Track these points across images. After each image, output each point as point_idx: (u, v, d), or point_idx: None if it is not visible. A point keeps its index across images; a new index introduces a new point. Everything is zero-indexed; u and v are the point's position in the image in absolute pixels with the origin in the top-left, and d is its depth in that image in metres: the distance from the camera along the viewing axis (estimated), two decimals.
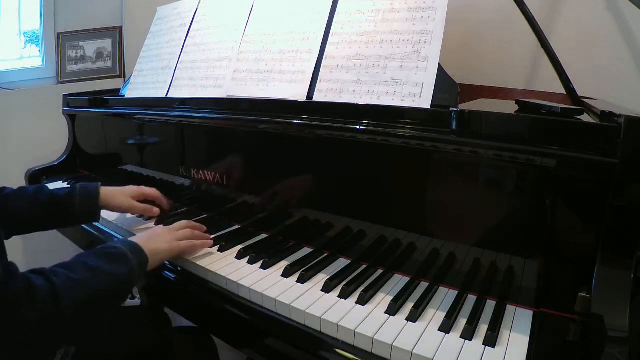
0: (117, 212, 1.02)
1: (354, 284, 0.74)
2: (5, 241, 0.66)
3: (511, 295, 0.69)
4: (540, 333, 0.62)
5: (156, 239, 0.83)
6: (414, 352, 0.58)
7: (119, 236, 1.05)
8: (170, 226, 0.90)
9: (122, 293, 0.74)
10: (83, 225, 1.11)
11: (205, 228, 0.95)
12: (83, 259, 0.70)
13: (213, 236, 0.95)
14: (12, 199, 0.93)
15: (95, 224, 1.10)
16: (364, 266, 0.82)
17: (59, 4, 1.95)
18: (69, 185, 1.17)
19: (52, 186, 1.39)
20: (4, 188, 0.96)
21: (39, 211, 0.94)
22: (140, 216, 1.09)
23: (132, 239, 0.81)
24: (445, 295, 0.72)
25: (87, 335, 0.78)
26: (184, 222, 0.92)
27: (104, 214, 1.04)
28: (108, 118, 1.38)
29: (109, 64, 2.12)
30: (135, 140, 1.29)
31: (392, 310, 0.67)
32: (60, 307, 0.60)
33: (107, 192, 0.99)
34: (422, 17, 0.81)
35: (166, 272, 0.88)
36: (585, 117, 0.67)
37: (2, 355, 0.58)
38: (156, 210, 1.03)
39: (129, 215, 1.11)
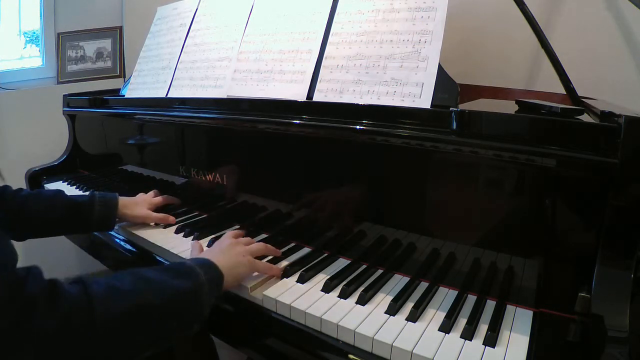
0: (133, 222, 1.03)
1: (354, 284, 0.74)
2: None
3: (511, 295, 0.69)
4: (540, 333, 0.62)
5: (231, 254, 0.73)
6: (414, 352, 0.58)
7: (119, 236, 1.05)
8: (234, 239, 0.80)
9: (186, 311, 0.60)
10: None
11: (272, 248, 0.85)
12: (137, 270, 0.60)
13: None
14: (31, 201, 0.94)
15: None
16: (364, 266, 0.81)
17: (59, 4, 1.95)
18: (86, 193, 1.17)
19: (52, 186, 1.40)
20: (21, 189, 0.97)
21: (56, 215, 0.94)
22: None
23: (202, 254, 0.73)
24: (445, 295, 0.72)
25: None
26: (248, 238, 0.84)
27: None
28: (108, 118, 1.38)
29: (109, 64, 2.12)
30: (135, 140, 1.29)
31: (392, 310, 0.67)
32: (95, 318, 0.50)
33: (125, 202, 1.02)
34: (422, 17, 0.81)
35: None
36: (585, 117, 0.67)
37: None
38: (172, 219, 1.04)
39: None
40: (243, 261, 0.74)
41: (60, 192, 1.00)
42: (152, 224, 1.04)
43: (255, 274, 0.78)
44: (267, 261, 0.81)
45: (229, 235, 0.83)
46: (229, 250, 0.75)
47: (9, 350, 0.46)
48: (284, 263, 0.84)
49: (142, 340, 0.55)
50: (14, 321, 0.46)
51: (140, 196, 1.09)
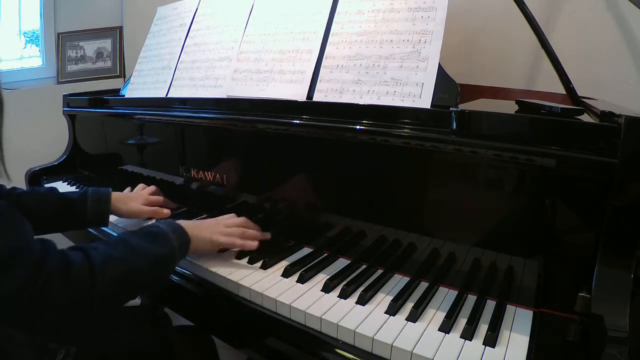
0: (127, 217, 1.03)
1: (354, 284, 0.74)
2: None
3: (511, 295, 0.69)
4: (540, 333, 0.62)
5: (202, 227, 0.82)
6: (414, 352, 0.58)
7: (114, 233, 1.05)
8: (221, 217, 0.89)
9: (161, 273, 0.74)
10: None
11: (258, 230, 0.91)
12: (124, 237, 0.70)
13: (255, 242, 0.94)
14: (24, 198, 0.94)
15: None
16: (364, 266, 0.81)
17: (59, 4, 1.95)
18: (79, 189, 1.17)
19: (52, 186, 1.40)
20: (15, 188, 0.96)
21: (50, 211, 0.94)
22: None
23: (179, 222, 0.81)
24: (445, 295, 0.72)
25: (88, 335, 0.78)
26: (239, 220, 0.89)
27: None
28: (108, 118, 1.38)
29: (109, 64, 2.12)
30: (135, 140, 1.29)
31: (392, 310, 0.67)
32: (96, 283, 0.60)
33: (118, 196, 1.01)
34: (422, 17, 0.81)
35: None
36: (585, 117, 0.67)
37: (27, 336, 0.60)
38: (166, 211, 1.04)
39: None
40: (207, 236, 0.81)
41: (53, 189, 1.00)
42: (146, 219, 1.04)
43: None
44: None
45: (221, 217, 0.90)
46: (205, 225, 0.84)
47: (34, 315, 0.58)
48: (284, 263, 0.84)
49: (127, 296, 0.68)
50: (37, 295, 0.56)
51: (138, 189, 1.08)
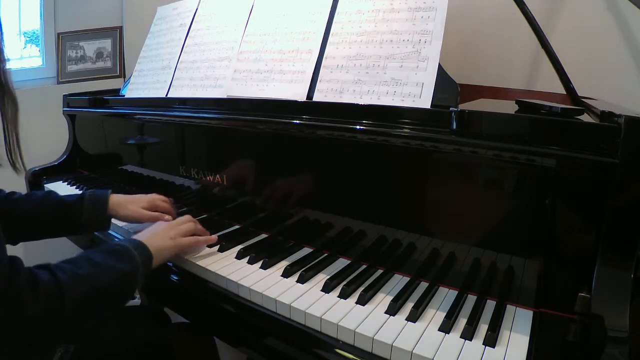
0: (126, 221, 0.99)
1: (354, 284, 0.74)
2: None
3: (511, 295, 0.69)
4: (540, 333, 0.62)
5: (160, 236, 0.82)
6: (414, 352, 0.58)
7: (119, 236, 1.05)
8: (173, 222, 0.89)
9: (127, 290, 0.73)
10: None
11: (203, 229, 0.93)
12: (88, 254, 0.70)
13: (213, 235, 0.95)
14: (19, 203, 0.92)
15: None
16: (364, 266, 0.81)
17: (59, 4, 1.95)
18: (79, 192, 1.15)
19: (52, 186, 1.40)
20: (13, 192, 0.95)
21: (45, 215, 0.92)
22: None
23: (135, 236, 0.81)
24: (445, 295, 0.72)
25: (86, 334, 0.78)
26: (186, 217, 0.91)
27: None
28: (108, 118, 1.38)
29: (109, 64, 2.12)
30: (135, 140, 1.29)
31: (392, 310, 0.67)
32: (64, 302, 0.60)
33: (118, 200, 0.96)
34: (422, 17, 0.81)
35: (166, 272, 0.88)
36: (585, 117, 0.67)
37: (3, 353, 0.58)
38: (167, 218, 0.97)
39: None
40: (169, 244, 0.82)
41: (51, 192, 0.97)
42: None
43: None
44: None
45: (163, 222, 0.90)
46: (160, 233, 0.84)
47: (9, 330, 0.57)
48: (284, 263, 0.84)
49: (94, 311, 0.68)
50: (8, 310, 0.56)
51: (141, 196, 1.02)
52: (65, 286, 0.61)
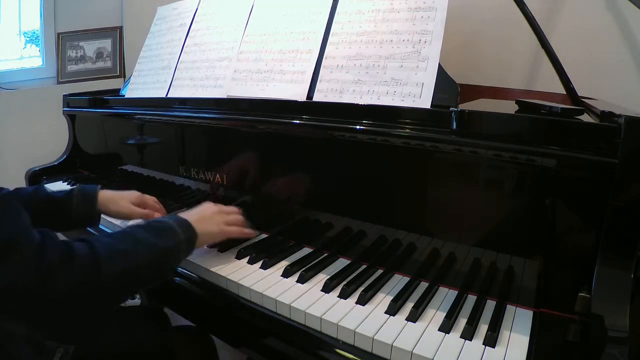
0: (116, 217, 0.98)
1: (354, 284, 0.74)
2: None
3: (511, 295, 0.69)
4: (540, 333, 0.62)
5: (207, 220, 0.81)
6: (414, 352, 0.58)
7: (110, 231, 1.04)
8: (222, 207, 0.87)
9: (166, 267, 0.73)
10: None
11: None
12: (129, 230, 0.70)
13: (254, 230, 0.93)
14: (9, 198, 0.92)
15: None
16: (364, 266, 0.81)
17: (59, 4, 1.96)
18: (69, 187, 1.14)
19: (52, 186, 1.40)
20: (1, 189, 0.94)
21: (35, 211, 0.88)
22: None
23: (183, 214, 0.80)
24: (445, 295, 0.72)
25: (86, 334, 0.77)
26: (233, 207, 0.90)
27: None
28: (108, 118, 1.38)
29: (109, 64, 2.12)
30: (135, 140, 1.29)
31: (392, 310, 0.67)
32: (101, 275, 0.59)
33: (107, 195, 0.95)
34: (422, 17, 0.81)
35: None
36: (585, 117, 0.67)
37: (5, 352, 0.57)
38: (157, 215, 0.98)
39: None
40: (215, 230, 0.81)
41: (39, 188, 0.95)
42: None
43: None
44: None
45: (211, 204, 0.88)
46: (209, 217, 0.82)
47: (37, 306, 0.56)
48: (284, 263, 0.84)
49: (133, 288, 0.69)
50: (41, 283, 0.55)
51: (131, 192, 1.00)
52: (103, 259, 0.60)
